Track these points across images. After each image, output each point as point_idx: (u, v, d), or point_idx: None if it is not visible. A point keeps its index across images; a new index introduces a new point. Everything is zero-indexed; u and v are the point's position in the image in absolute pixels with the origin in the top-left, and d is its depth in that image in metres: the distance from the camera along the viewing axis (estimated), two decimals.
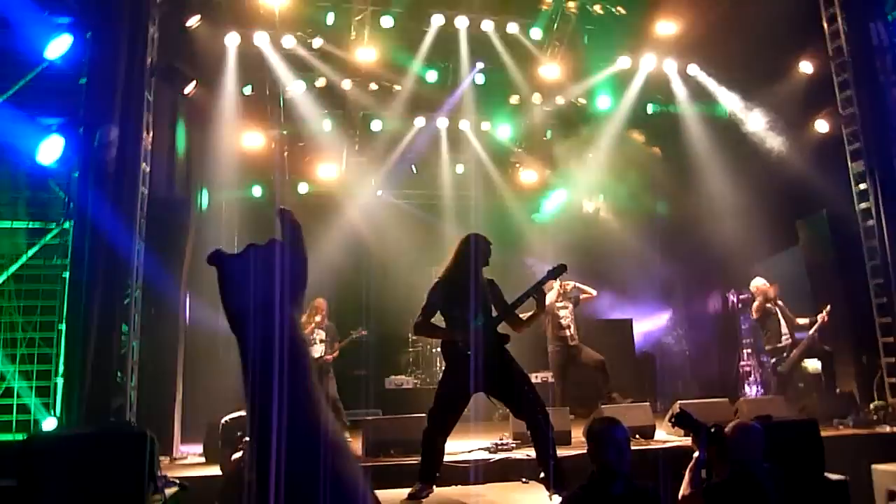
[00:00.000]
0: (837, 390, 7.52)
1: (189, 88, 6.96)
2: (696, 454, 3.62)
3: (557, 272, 4.98)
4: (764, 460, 3.49)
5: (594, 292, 8.29)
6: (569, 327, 7.98)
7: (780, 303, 7.82)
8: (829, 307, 7.56)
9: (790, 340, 7.73)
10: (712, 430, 3.66)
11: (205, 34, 7.86)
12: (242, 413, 5.21)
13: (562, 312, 7.98)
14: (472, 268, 4.72)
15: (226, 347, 9.54)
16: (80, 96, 6.28)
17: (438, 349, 10.02)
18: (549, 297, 7.67)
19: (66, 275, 6.11)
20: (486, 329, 4.66)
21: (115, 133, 6.17)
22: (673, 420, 3.87)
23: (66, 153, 6.14)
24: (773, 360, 7.84)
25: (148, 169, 6.79)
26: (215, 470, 5.25)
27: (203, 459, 5.84)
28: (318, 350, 7.62)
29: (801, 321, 7.80)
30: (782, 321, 7.77)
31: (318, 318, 7.69)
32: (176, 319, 6.71)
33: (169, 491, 4.36)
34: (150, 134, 6.82)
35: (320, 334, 7.70)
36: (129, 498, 3.97)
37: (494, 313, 4.77)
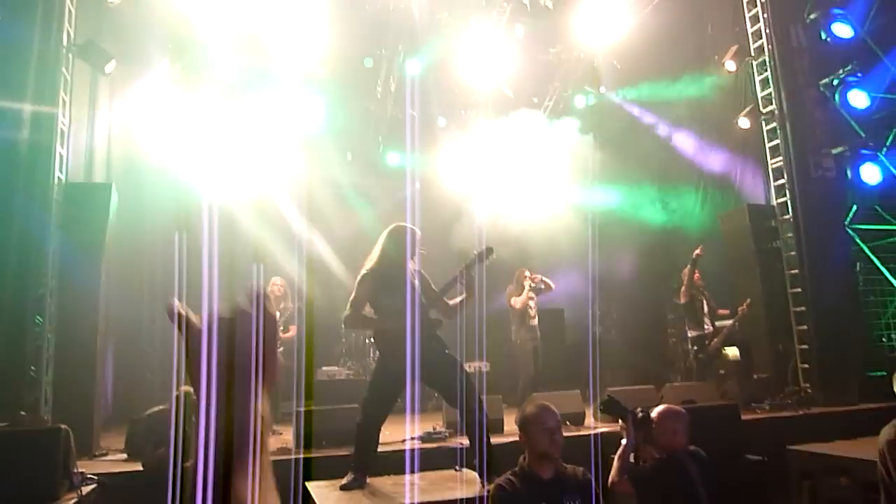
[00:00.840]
0: (755, 376, 7.86)
1: (109, 67, 6.63)
2: (623, 440, 3.70)
3: (484, 256, 4.92)
4: (689, 444, 3.59)
5: (553, 285, 8.43)
6: (535, 317, 8.25)
7: (705, 292, 8.11)
8: (749, 300, 7.89)
9: (710, 329, 8.03)
10: (639, 415, 3.74)
11: (127, 9, 7.50)
12: (164, 406, 5.02)
13: (531, 303, 8.19)
14: (400, 258, 4.68)
15: (148, 340, 9.23)
16: None
17: (370, 340, 9.98)
18: (516, 300, 8.08)
19: None
20: (418, 317, 4.63)
21: (27, 113, 5.82)
22: (602, 407, 3.95)
23: None
24: (695, 347, 8.12)
25: (64, 152, 6.44)
26: (137, 466, 5.04)
27: (125, 455, 5.59)
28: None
29: (722, 312, 8.10)
30: (705, 309, 8.05)
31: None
32: (95, 310, 6.38)
33: (86, 488, 4.16)
34: (68, 115, 6.46)
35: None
36: (41, 497, 3.76)
37: (424, 301, 4.75)
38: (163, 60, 8.65)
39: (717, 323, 8.07)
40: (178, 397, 4.48)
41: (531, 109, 10.59)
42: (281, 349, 7.07)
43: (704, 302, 8.03)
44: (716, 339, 7.95)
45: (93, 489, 4.30)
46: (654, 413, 3.67)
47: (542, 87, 10.71)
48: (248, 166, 9.83)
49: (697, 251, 7.79)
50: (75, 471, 4.14)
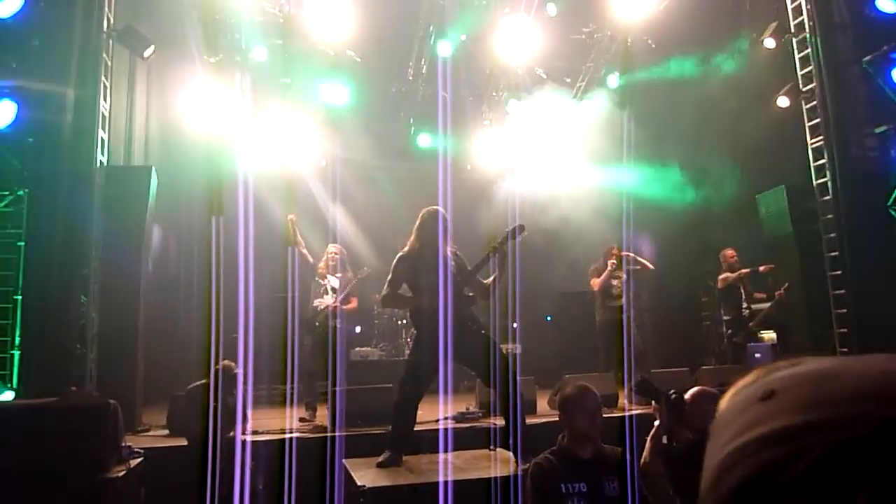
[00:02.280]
0: None
1: (148, 52, 6.73)
2: (656, 422, 3.69)
3: (516, 233, 4.96)
4: None
5: (650, 265, 8.04)
6: (619, 297, 7.73)
7: (744, 272, 8.03)
8: (787, 284, 7.80)
9: (748, 312, 7.95)
10: (672, 396, 3.71)
11: None
12: (205, 381, 5.13)
13: (614, 281, 7.76)
14: (435, 240, 4.75)
15: (185, 320, 9.43)
16: (34, 58, 6.01)
17: (403, 321, 10.08)
18: (596, 280, 7.75)
19: (22, 244, 5.91)
20: (454, 298, 4.68)
21: (71, 97, 5.94)
22: (635, 388, 3.94)
23: (20, 118, 5.89)
24: (730, 330, 8.06)
25: (105, 136, 6.58)
26: (179, 441, 5.19)
27: (167, 431, 5.76)
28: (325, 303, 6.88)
29: (759, 296, 8.01)
30: (743, 293, 7.97)
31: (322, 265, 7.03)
32: (136, 290, 6.55)
33: (133, 461, 4.30)
34: (108, 99, 6.59)
35: (333, 281, 6.93)
36: (93, 468, 3.91)
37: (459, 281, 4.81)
38: (197, 43, 8.75)
39: (753, 306, 7.99)
40: (217, 371, 4.60)
41: (563, 89, 10.49)
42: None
43: (741, 286, 7.96)
44: (752, 323, 7.87)
45: (140, 462, 4.45)
46: (688, 395, 3.61)
47: (575, 66, 10.58)
48: (281, 149, 9.93)
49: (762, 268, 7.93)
50: (124, 444, 4.28)
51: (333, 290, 6.87)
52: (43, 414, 4.12)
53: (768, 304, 7.84)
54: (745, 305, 7.95)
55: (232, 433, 4.21)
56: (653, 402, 3.78)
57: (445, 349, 4.49)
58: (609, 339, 7.53)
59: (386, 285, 4.85)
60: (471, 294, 4.85)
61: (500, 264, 4.82)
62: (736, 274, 8.02)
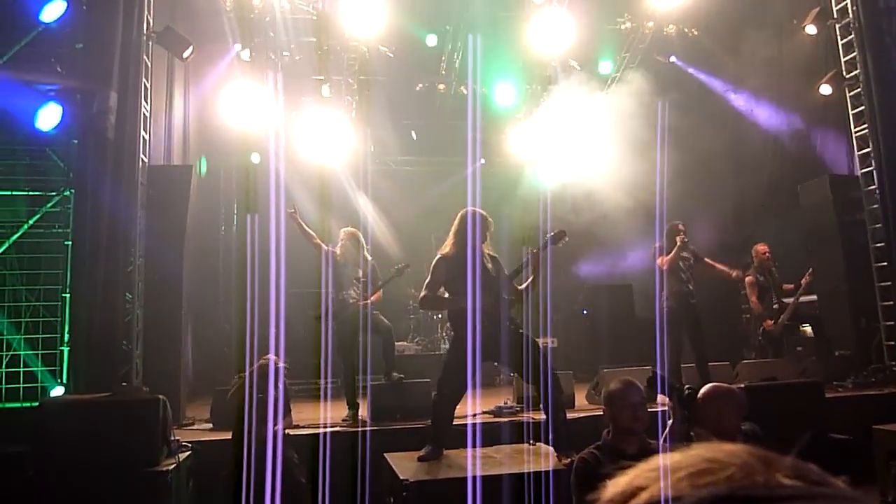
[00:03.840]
0: (836, 353, 7.60)
1: (187, 53, 6.84)
2: (670, 420, 3.47)
3: (556, 239, 4.94)
4: (739, 426, 3.30)
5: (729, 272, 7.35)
6: (688, 281, 6.99)
7: (773, 270, 7.86)
8: (811, 270, 7.64)
9: (778, 305, 7.79)
10: (685, 393, 3.52)
11: None
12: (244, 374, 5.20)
13: (681, 263, 6.98)
14: (473, 242, 4.75)
15: (226, 315, 9.60)
16: (78, 61, 6.15)
17: (439, 315, 10.11)
18: (663, 258, 6.92)
19: (69, 243, 6.07)
20: (492, 297, 4.70)
21: (114, 99, 6.07)
22: (646, 383, 3.77)
23: (65, 120, 6.04)
24: (761, 326, 7.88)
25: (147, 136, 6.72)
26: (224, 435, 5.29)
27: (211, 425, 5.88)
28: (353, 295, 6.47)
29: (787, 287, 7.87)
30: (772, 288, 7.81)
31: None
32: (178, 287, 6.69)
33: (182, 455, 4.40)
34: (149, 100, 6.72)
35: (353, 270, 6.51)
36: (143, 462, 4.01)
37: (496, 285, 4.82)
38: (233, 43, 8.87)
39: (784, 299, 7.83)
40: (261, 366, 4.66)
41: (597, 80, 10.39)
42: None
43: (771, 281, 7.79)
44: (782, 316, 7.69)
45: (188, 455, 4.55)
46: (700, 393, 3.38)
47: (611, 57, 10.46)
48: (314, 147, 10.02)
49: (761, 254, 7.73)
50: (172, 438, 4.38)
51: (357, 279, 6.52)
52: (96, 409, 4.24)
53: (796, 296, 7.67)
54: (774, 300, 7.78)
55: (276, 426, 4.27)
56: (667, 400, 3.60)
57: (473, 347, 4.50)
58: (678, 327, 6.81)
59: (424, 287, 4.87)
60: (508, 297, 4.84)
61: (535, 270, 4.81)
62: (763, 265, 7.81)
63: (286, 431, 4.96)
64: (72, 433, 3.93)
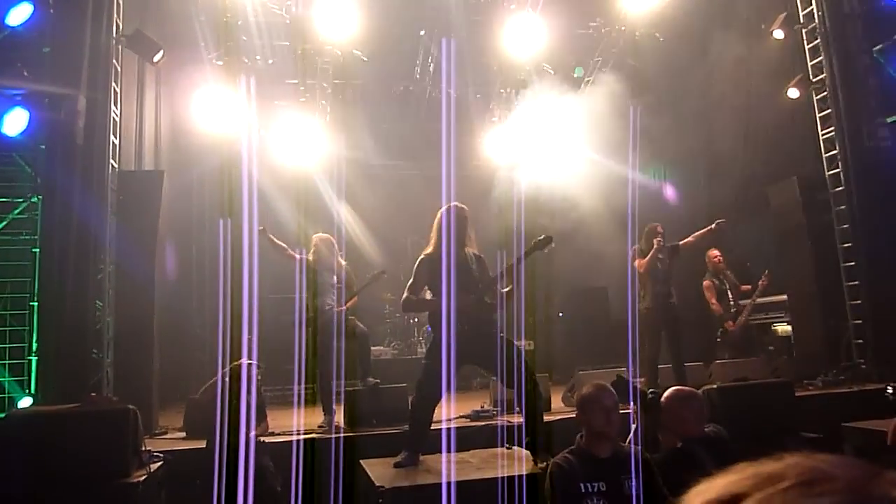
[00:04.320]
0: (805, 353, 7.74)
1: (157, 57, 6.76)
2: (634, 425, 3.52)
3: (542, 244, 4.87)
4: (702, 429, 3.35)
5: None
6: (667, 282, 6.92)
7: (726, 271, 8.02)
8: (767, 272, 7.81)
9: (735, 308, 7.95)
10: (648, 397, 3.51)
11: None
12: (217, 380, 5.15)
13: (659, 265, 6.90)
14: (455, 240, 4.72)
15: (199, 322, 9.48)
16: (45, 65, 6.04)
17: (415, 319, 10.10)
18: (641, 262, 6.86)
19: (37, 250, 5.95)
20: (473, 301, 4.69)
21: (83, 104, 5.98)
22: (611, 386, 3.79)
23: (32, 125, 5.92)
24: (719, 328, 8.10)
25: (116, 141, 6.62)
26: (198, 443, 5.22)
27: (184, 434, 5.80)
28: (329, 302, 6.38)
29: (745, 288, 8.03)
30: (728, 290, 7.96)
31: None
32: (150, 294, 6.59)
33: (153, 465, 4.33)
34: (119, 105, 6.62)
35: (330, 277, 6.42)
36: (113, 474, 3.94)
37: (478, 285, 4.80)
38: (205, 47, 8.78)
39: (741, 301, 7.97)
40: (234, 369, 4.60)
41: (570, 84, 10.46)
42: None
43: (726, 284, 7.94)
44: (739, 318, 7.84)
45: (160, 466, 4.48)
46: (664, 396, 3.46)
47: (583, 61, 10.54)
48: (288, 151, 9.97)
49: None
50: (143, 449, 4.32)
51: (332, 286, 6.48)
52: (64, 420, 4.16)
53: (752, 298, 7.85)
54: (731, 302, 7.93)
55: (249, 433, 4.22)
56: (630, 403, 3.64)
57: (448, 350, 4.48)
58: (655, 329, 6.80)
59: (406, 289, 4.82)
60: (489, 301, 4.82)
61: (516, 276, 4.80)
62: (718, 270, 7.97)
63: (261, 438, 4.92)
64: (38, 445, 3.85)
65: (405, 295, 4.80)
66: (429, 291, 4.83)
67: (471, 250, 4.90)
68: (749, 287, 7.96)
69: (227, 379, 4.58)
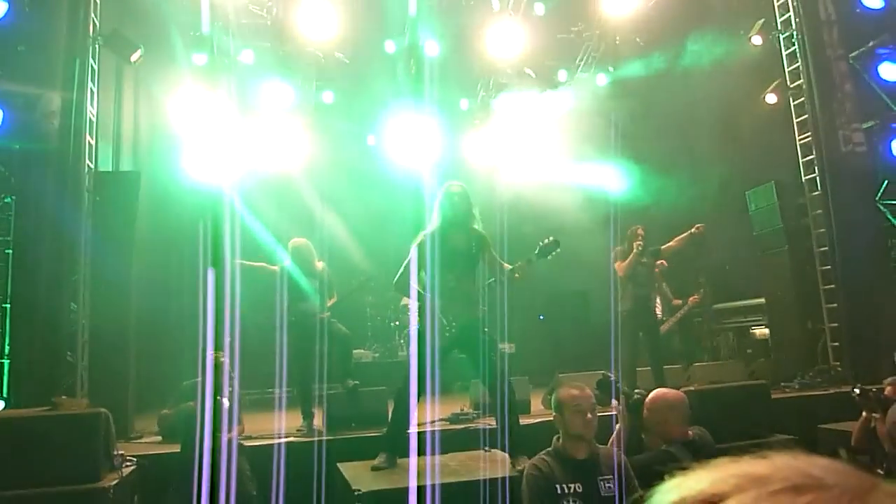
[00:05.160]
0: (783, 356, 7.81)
1: (135, 56, 6.69)
2: (617, 425, 3.56)
3: (547, 251, 4.75)
4: (686, 432, 3.36)
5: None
6: (646, 284, 6.94)
7: (664, 284, 8.34)
8: (702, 291, 8.29)
9: (659, 316, 8.22)
10: (634, 398, 3.53)
11: None
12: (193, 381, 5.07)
13: (640, 268, 6.84)
14: (458, 218, 4.63)
15: (177, 325, 9.37)
16: (20, 64, 5.95)
17: (396, 322, 10.06)
18: (620, 264, 6.80)
19: (10, 251, 5.86)
20: (461, 290, 4.62)
21: (58, 103, 5.90)
22: (596, 386, 3.81)
23: (6, 124, 5.84)
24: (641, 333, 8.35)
25: (93, 141, 6.53)
26: (172, 448, 5.16)
27: (160, 438, 5.73)
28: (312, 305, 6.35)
29: (676, 302, 8.40)
30: (659, 300, 8.25)
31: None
32: (126, 296, 6.50)
33: (126, 469, 4.27)
34: (96, 104, 6.54)
35: (312, 281, 6.40)
36: (84, 478, 3.87)
37: (473, 273, 4.71)
38: (185, 48, 8.70)
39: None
40: (214, 365, 4.53)
41: (552, 88, 10.50)
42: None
43: (657, 291, 8.21)
44: (662, 327, 8.02)
45: (132, 470, 4.41)
46: (648, 398, 3.47)
47: (564, 65, 10.59)
48: (269, 152, 9.91)
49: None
50: (116, 452, 4.25)
51: (313, 290, 6.42)
52: (33, 424, 4.08)
53: (680, 312, 8.28)
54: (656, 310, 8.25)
55: (225, 435, 4.17)
56: (613, 403, 3.65)
57: (432, 344, 4.44)
58: (634, 331, 6.77)
59: (402, 268, 4.68)
60: (485, 282, 4.74)
61: (522, 275, 4.72)
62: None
63: (238, 441, 4.86)
64: (7, 450, 3.77)
65: (399, 274, 4.69)
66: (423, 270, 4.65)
67: (475, 229, 4.72)
68: (679, 302, 8.34)
69: (198, 383, 4.50)
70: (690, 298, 8.24)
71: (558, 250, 4.76)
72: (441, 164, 10.50)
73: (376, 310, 10.36)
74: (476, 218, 4.74)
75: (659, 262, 7.70)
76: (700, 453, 3.23)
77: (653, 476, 3.19)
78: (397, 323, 10.05)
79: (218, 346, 4.80)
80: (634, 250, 6.76)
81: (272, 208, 9.75)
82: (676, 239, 7.11)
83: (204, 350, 4.76)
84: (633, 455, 3.36)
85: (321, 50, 9.37)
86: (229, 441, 4.03)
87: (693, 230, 6.97)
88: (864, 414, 3.57)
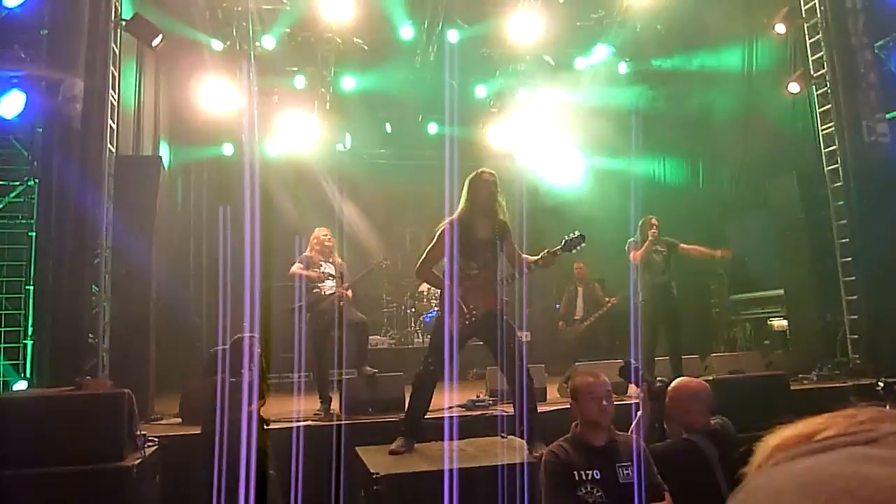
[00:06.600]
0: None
1: (156, 41, 6.71)
2: (639, 413, 3.53)
3: (573, 244, 4.68)
4: (708, 422, 3.32)
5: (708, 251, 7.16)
6: (663, 273, 6.81)
7: (595, 284, 9.29)
8: (615, 299, 8.91)
9: (581, 316, 9.19)
10: (655, 385, 3.50)
11: None
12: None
13: (655, 255, 6.81)
14: (485, 207, 4.62)
15: (196, 308, 9.47)
16: (42, 48, 6.00)
17: (412, 310, 10.10)
18: (636, 253, 6.80)
19: (33, 234, 5.93)
20: (482, 277, 4.63)
21: (80, 87, 5.94)
22: (619, 372, 3.82)
23: (29, 108, 5.89)
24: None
25: (114, 125, 6.58)
26: (193, 429, 5.22)
27: (180, 420, 5.80)
28: (328, 287, 6.39)
29: (602, 301, 9.17)
30: (583, 299, 9.20)
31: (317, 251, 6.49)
32: (147, 279, 6.57)
33: (148, 450, 4.33)
34: (117, 89, 6.59)
35: (329, 268, 6.45)
36: (108, 457, 3.94)
37: (496, 262, 4.69)
38: (206, 32, 8.74)
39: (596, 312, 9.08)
40: (235, 342, 4.57)
41: (571, 76, 10.42)
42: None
43: (581, 291, 9.24)
44: (580, 324, 9.00)
45: (154, 450, 4.48)
46: (671, 387, 3.42)
47: (584, 53, 10.51)
48: (287, 138, 9.94)
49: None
50: (138, 433, 4.31)
51: (331, 276, 6.47)
52: (58, 403, 4.15)
53: (598, 312, 9.05)
54: (583, 309, 9.19)
55: (250, 406, 4.18)
56: (635, 389, 3.64)
57: (451, 329, 4.45)
58: (653, 320, 6.70)
59: (424, 254, 4.67)
60: (505, 274, 4.74)
61: (546, 265, 4.70)
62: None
63: (262, 416, 4.89)
64: (33, 429, 3.84)
65: (421, 261, 4.69)
66: (445, 257, 4.63)
67: (501, 217, 4.69)
68: (608, 300, 9.14)
69: (227, 354, 4.53)
70: (610, 300, 9.05)
71: (583, 245, 4.69)
72: (459, 151, 10.48)
73: (392, 297, 10.40)
74: (502, 207, 4.72)
75: (578, 266, 8.13)
76: (722, 443, 3.21)
77: (674, 465, 3.22)
78: (413, 310, 10.09)
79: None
80: (649, 238, 6.74)
81: (288, 194, 9.80)
82: (698, 250, 7.07)
83: (227, 318, 4.80)
84: (655, 443, 3.36)
85: (340, 35, 9.36)
86: (249, 413, 4.06)
87: (720, 254, 7.11)
88: (888, 408, 3.53)
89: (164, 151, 8.68)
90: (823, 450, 0.44)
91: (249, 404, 3.99)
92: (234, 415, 3.88)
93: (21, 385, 5.63)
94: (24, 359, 5.79)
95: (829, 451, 0.44)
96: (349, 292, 6.56)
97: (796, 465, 0.44)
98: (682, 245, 6.99)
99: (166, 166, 7.15)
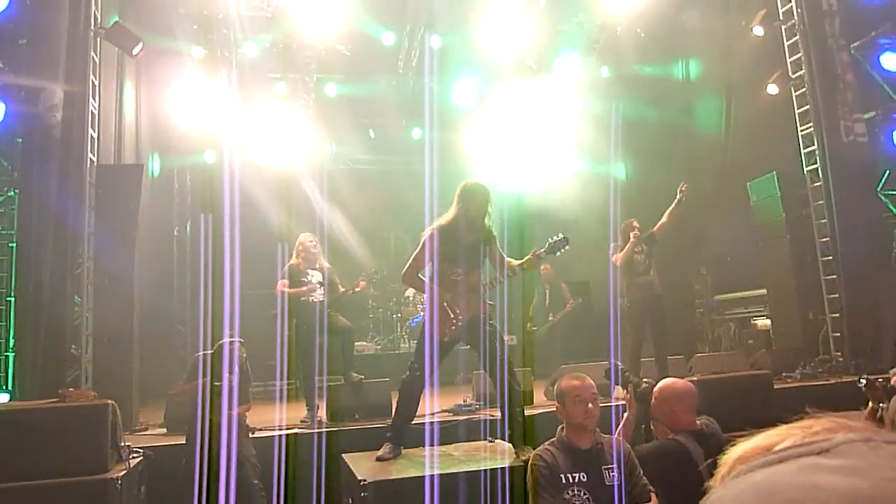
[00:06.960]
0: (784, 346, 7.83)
1: (137, 49, 6.68)
2: (625, 414, 3.59)
3: (557, 247, 4.72)
4: (693, 423, 3.35)
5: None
6: (645, 273, 6.84)
7: (562, 284, 9.75)
8: (578, 300, 9.49)
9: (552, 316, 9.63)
10: (641, 386, 3.55)
11: None
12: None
13: (636, 256, 6.82)
14: (473, 217, 4.64)
15: (180, 318, 9.41)
16: (22, 57, 5.95)
17: (398, 315, 10.09)
18: (617, 256, 6.83)
19: (13, 245, 5.87)
20: (468, 283, 4.64)
21: (60, 96, 5.90)
22: (604, 373, 3.87)
23: (8, 117, 5.84)
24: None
25: (95, 134, 6.54)
26: (178, 439, 5.18)
27: (164, 430, 5.76)
28: (318, 295, 6.36)
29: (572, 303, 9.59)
30: (547, 298, 9.69)
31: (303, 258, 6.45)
32: (130, 289, 6.52)
33: (132, 461, 4.30)
34: (97, 97, 6.54)
35: (316, 275, 6.42)
36: (92, 469, 3.90)
37: (481, 267, 4.73)
38: (187, 40, 8.70)
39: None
40: (218, 347, 4.55)
41: (553, 80, 10.48)
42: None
43: (548, 291, 9.67)
44: (549, 321, 9.55)
45: (139, 461, 4.45)
46: (656, 388, 3.45)
47: (565, 57, 10.56)
48: (270, 145, 9.91)
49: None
50: (122, 444, 4.28)
51: (319, 283, 6.40)
52: (40, 415, 4.11)
53: (561, 312, 9.50)
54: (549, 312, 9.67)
55: (231, 411, 4.17)
56: (621, 391, 3.68)
57: (431, 337, 4.46)
58: (640, 322, 6.76)
59: (411, 259, 4.69)
60: (486, 281, 4.77)
61: (530, 267, 4.76)
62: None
63: (246, 423, 4.87)
64: (15, 441, 3.80)
65: (407, 266, 4.72)
66: (432, 262, 4.65)
67: (487, 225, 4.71)
68: (572, 302, 9.57)
69: (209, 359, 4.50)
70: (569, 303, 9.52)
71: (567, 247, 4.74)
72: (440, 156, 10.50)
73: (378, 302, 10.38)
74: (490, 215, 4.76)
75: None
76: (708, 443, 3.24)
77: (659, 465, 3.24)
78: (399, 315, 10.08)
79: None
80: (630, 240, 6.79)
81: (271, 201, 9.77)
82: (666, 213, 6.96)
83: (207, 327, 4.78)
84: (641, 444, 3.38)
85: (322, 42, 9.35)
86: (229, 418, 4.03)
87: (678, 195, 6.83)
88: (870, 405, 3.59)
89: (146, 160, 8.62)
90: (780, 461, 0.47)
91: (230, 408, 3.97)
92: (216, 418, 3.87)
93: (3, 398, 5.56)
94: (6, 371, 5.72)
95: (785, 461, 0.46)
96: (363, 283, 6.86)
97: (754, 477, 0.46)
98: (655, 229, 6.96)
99: (149, 175, 7.12)
